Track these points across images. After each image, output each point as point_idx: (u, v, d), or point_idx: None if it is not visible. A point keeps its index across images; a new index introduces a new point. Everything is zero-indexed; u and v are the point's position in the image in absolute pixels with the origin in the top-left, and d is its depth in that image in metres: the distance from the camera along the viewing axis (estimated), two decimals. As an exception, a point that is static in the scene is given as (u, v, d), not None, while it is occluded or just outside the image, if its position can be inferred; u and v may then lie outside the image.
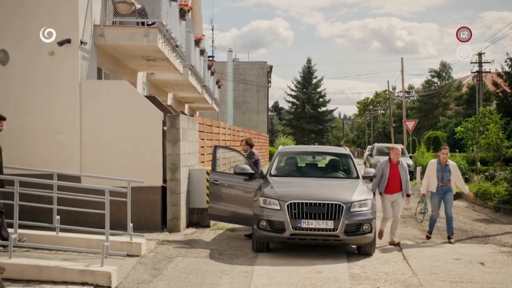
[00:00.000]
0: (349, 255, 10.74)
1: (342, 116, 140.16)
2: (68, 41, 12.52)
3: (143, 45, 14.23)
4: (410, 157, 33.32)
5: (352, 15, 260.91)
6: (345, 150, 13.33)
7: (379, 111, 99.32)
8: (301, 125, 78.40)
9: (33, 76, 12.65)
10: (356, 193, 10.75)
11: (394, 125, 63.82)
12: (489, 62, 44.71)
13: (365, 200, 10.62)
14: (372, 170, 12.22)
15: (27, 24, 12.62)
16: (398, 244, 11.79)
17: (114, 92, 12.91)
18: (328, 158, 13.24)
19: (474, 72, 45.21)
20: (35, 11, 12.69)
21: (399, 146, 12.56)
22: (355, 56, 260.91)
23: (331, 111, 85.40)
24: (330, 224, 10.20)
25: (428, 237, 12.46)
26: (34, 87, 12.65)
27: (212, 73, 31.02)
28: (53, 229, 10.55)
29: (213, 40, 65.76)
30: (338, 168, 12.63)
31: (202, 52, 24.53)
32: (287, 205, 10.31)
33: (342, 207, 10.27)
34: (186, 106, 31.48)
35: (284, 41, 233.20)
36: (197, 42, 22.57)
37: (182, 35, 18.08)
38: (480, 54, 44.44)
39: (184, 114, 18.92)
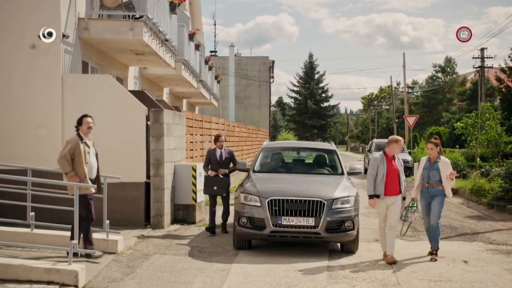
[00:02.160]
0: (332, 253, 10.52)
1: (348, 112, 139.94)
2: (49, 34, 12.32)
3: (129, 39, 14.03)
4: (409, 153, 32.98)
5: (357, 10, 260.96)
6: (330, 145, 13.08)
7: (383, 106, 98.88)
8: (303, 120, 77.93)
9: (13, 69, 12.46)
10: (338, 189, 10.51)
11: (397, 120, 63.37)
12: (492, 57, 44.38)
13: (347, 196, 10.36)
14: (358, 166, 11.98)
15: (7, 16, 12.44)
16: (395, 262, 9.66)
17: (97, 87, 12.71)
18: (313, 154, 13.01)
19: (476, 67, 44.82)
20: (16, 3, 12.47)
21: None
22: (360, 51, 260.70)
23: (334, 106, 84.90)
24: (311, 221, 9.97)
25: (431, 254, 10.09)
26: (15, 80, 12.46)
27: (210, 68, 30.71)
28: (28, 226, 10.35)
29: (215, 35, 65.87)
30: (323, 164, 12.39)
31: (197, 47, 24.26)
32: (268, 202, 10.07)
33: (324, 204, 10.03)
34: (184, 101, 31.21)
35: (289, 37, 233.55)
36: (191, 36, 22.30)
37: (173, 29, 17.84)
38: (482, 49, 44.10)
39: (179, 109, 18.62)
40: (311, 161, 12.83)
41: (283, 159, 12.79)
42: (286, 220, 9.98)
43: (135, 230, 12.17)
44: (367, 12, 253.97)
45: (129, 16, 14.08)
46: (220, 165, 12.44)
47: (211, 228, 12.38)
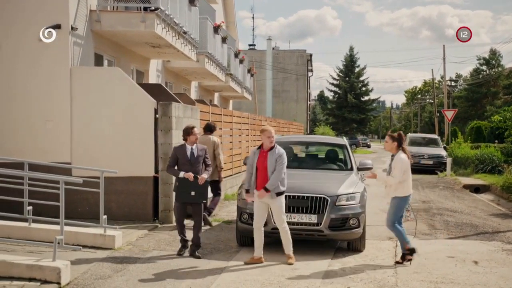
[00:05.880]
0: (338, 251, 10.11)
1: (394, 106, 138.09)
2: (57, 26, 12.20)
3: (141, 31, 13.85)
4: (445, 148, 32.05)
5: (401, 3, 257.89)
6: (341, 140, 12.62)
7: (427, 100, 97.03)
8: (343, 114, 76.77)
9: (22, 62, 12.37)
10: (344, 185, 10.06)
11: (438, 115, 61.94)
12: (536, 49, 42.88)
13: (353, 193, 9.91)
14: (369, 162, 11.47)
15: (14, 8, 12.34)
16: (291, 264, 9.05)
17: (105, 79, 12.54)
18: (323, 148, 12.57)
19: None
20: (24, -4, 12.40)
21: (272, 128, 9.27)
22: (404, 45, 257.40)
23: (374, 100, 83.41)
24: (313, 218, 9.58)
25: (398, 262, 9.27)
26: (23, 74, 12.37)
27: (241, 61, 30.39)
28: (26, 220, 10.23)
29: (253, 29, 66.62)
30: (332, 159, 11.93)
31: (224, 40, 23.96)
32: (269, 198, 9.70)
33: (327, 200, 9.62)
34: (216, 94, 30.99)
35: (332, 30, 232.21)
36: (216, 29, 22.03)
37: (193, 21, 17.58)
38: (526, 41, 42.63)
39: (205, 103, 18.34)
40: (320, 156, 12.39)
41: (292, 154, 12.36)
42: (288, 217, 9.57)
43: (142, 225, 11.97)
44: (411, 5, 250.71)
45: (145, 8, 13.89)
46: (191, 165, 9.69)
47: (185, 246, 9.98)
